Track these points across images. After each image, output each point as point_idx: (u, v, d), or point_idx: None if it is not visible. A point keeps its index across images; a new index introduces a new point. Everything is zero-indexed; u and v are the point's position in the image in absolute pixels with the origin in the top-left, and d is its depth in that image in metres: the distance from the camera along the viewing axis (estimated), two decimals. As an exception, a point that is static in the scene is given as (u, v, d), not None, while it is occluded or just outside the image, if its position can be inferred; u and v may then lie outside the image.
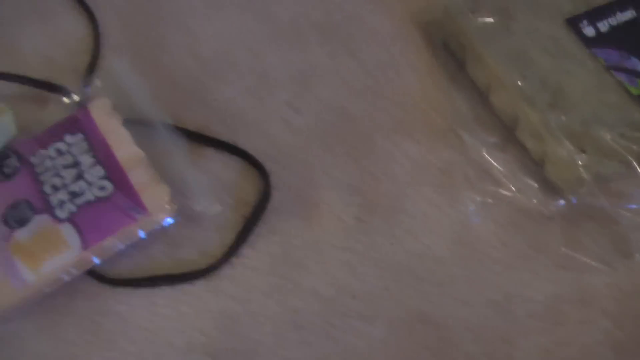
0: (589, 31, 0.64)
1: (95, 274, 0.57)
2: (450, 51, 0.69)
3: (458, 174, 0.61)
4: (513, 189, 0.60)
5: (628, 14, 0.66)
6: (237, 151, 0.63)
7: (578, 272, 0.57)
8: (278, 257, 0.58)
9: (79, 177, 0.58)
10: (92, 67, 0.68)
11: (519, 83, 0.61)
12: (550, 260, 0.57)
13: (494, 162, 0.62)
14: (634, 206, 0.58)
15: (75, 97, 0.64)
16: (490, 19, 0.65)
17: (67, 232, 0.55)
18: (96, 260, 0.55)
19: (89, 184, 0.57)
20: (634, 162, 0.57)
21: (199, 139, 0.63)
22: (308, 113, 0.65)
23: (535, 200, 0.60)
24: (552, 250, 0.58)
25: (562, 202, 0.59)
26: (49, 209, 0.56)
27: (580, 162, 0.57)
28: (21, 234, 0.55)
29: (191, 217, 0.59)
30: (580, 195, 0.58)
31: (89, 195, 0.57)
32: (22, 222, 0.56)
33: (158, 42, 0.70)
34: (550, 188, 0.60)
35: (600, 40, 0.64)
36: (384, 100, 0.66)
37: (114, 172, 0.58)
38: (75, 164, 0.58)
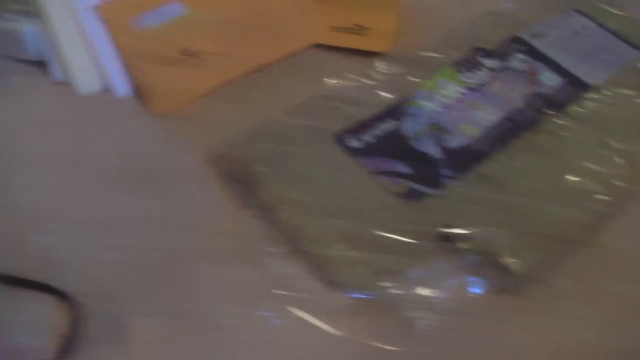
0: (355, 143, 0.73)
1: None
2: (238, 179, 0.75)
3: (257, 286, 0.68)
4: (305, 291, 0.67)
5: (389, 125, 0.75)
6: (49, 289, 0.68)
7: (373, 357, 0.64)
8: (94, 382, 0.63)
9: None
10: None
11: (298, 199, 0.69)
12: (350, 348, 0.64)
13: (285, 271, 0.68)
14: (409, 291, 0.65)
15: None
16: (268, 146, 0.73)
17: None
18: None
19: None
20: (403, 253, 0.66)
21: (14, 282, 0.68)
22: (118, 250, 0.72)
23: (323, 298, 0.66)
24: (348, 340, 0.64)
25: (348, 296, 0.66)
26: None
27: (357, 260, 0.65)
28: None
29: (12, 353, 0.63)
30: (362, 289, 0.66)
31: None
32: None
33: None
34: (336, 285, 0.67)
35: (366, 151, 0.73)
36: (187, 230, 0.73)
37: None
38: None
